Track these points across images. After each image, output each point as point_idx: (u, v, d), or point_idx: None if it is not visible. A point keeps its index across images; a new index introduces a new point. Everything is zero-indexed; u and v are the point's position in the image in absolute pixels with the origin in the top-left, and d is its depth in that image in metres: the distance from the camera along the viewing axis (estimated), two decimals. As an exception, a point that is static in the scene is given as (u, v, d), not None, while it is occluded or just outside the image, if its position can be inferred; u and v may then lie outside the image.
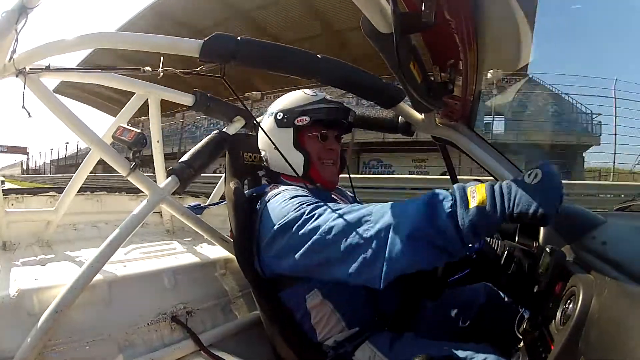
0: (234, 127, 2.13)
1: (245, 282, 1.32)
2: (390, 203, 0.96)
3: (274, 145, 1.28)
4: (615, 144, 12.72)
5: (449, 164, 1.78)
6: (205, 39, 1.07)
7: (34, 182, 26.07)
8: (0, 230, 1.80)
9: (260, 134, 1.39)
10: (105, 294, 1.27)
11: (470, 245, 0.85)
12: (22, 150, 43.17)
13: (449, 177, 1.84)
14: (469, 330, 1.26)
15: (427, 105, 1.23)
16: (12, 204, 2.20)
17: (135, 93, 1.94)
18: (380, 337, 1.16)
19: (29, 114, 1.24)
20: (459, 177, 1.79)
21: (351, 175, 1.53)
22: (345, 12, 15.56)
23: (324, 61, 1.22)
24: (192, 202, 2.43)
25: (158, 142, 2.13)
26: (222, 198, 1.97)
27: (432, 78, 1.20)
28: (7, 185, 3.44)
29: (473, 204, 0.81)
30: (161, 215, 2.53)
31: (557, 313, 0.77)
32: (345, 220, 0.95)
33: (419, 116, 1.53)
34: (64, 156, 36.28)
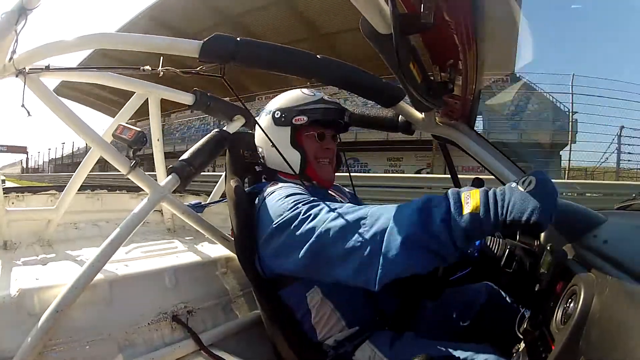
0: (234, 126, 2.13)
1: (246, 281, 1.32)
2: (385, 206, 0.96)
3: (272, 144, 1.29)
4: (570, 141, 12.90)
5: (450, 162, 1.78)
6: (205, 39, 1.07)
7: (34, 180, 26.19)
8: (1, 229, 1.80)
9: (257, 131, 1.40)
10: (106, 293, 1.27)
11: (463, 249, 0.85)
12: (22, 150, 43.65)
13: (449, 176, 1.83)
14: (469, 330, 1.27)
15: (427, 104, 1.22)
16: (13, 203, 2.21)
17: (135, 92, 1.94)
18: (381, 336, 1.16)
19: (28, 113, 1.24)
20: (442, 175, 1.79)
21: (351, 175, 1.53)
22: (334, 16, 15.59)
23: (324, 61, 1.22)
24: (192, 200, 2.43)
25: (158, 140, 2.13)
26: (223, 196, 1.97)
27: (432, 78, 1.19)
28: (8, 184, 3.44)
29: (467, 210, 0.81)
30: (162, 213, 2.54)
31: (558, 312, 0.77)
32: (341, 222, 0.96)
33: (419, 115, 1.53)
34: (61, 156, 37.09)
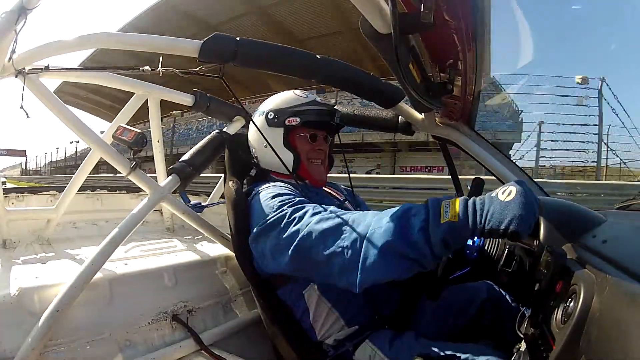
0: (234, 127, 2.13)
1: (245, 280, 1.33)
2: (366, 212, 0.99)
3: (268, 143, 1.31)
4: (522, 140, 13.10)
5: (450, 163, 1.78)
6: (205, 39, 1.07)
7: (32, 182, 26.26)
8: (1, 228, 1.80)
9: (250, 132, 1.43)
10: (106, 292, 1.28)
11: (442, 256, 0.88)
12: (21, 153, 44.29)
13: (448, 177, 1.83)
14: (469, 329, 1.27)
15: (427, 105, 1.23)
16: (13, 203, 2.20)
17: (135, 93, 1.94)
18: (381, 335, 1.17)
19: (27, 114, 1.24)
20: (443, 176, 1.79)
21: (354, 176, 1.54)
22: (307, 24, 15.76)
23: (324, 61, 1.22)
24: (192, 200, 2.43)
25: (158, 141, 2.13)
26: (223, 197, 1.97)
27: (432, 78, 1.20)
28: (9, 186, 3.44)
29: (445, 218, 0.82)
30: (161, 213, 2.54)
31: (558, 312, 0.77)
32: (323, 226, 0.98)
33: (419, 116, 1.53)
34: (56, 159, 38.46)
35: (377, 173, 15.89)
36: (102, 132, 1.91)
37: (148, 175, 1.50)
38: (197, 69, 1.17)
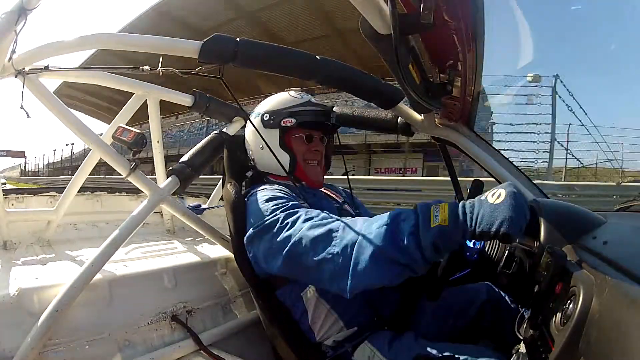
0: (234, 128, 2.13)
1: (245, 281, 1.33)
2: (357, 219, 1.00)
3: (266, 143, 1.31)
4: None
5: (449, 164, 1.77)
6: (205, 40, 1.07)
7: (30, 183, 26.39)
8: (1, 230, 1.80)
9: (247, 134, 1.45)
10: (105, 293, 1.28)
11: (433, 260, 0.87)
12: (20, 155, 44.85)
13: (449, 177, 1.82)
14: (469, 330, 1.27)
15: (426, 105, 1.22)
16: (13, 204, 2.20)
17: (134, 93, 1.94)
18: (380, 336, 1.16)
19: (27, 114, 1.24)
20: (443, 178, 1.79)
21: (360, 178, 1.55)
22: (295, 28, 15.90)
23: (324, 62, 1.22)
24: (192, 202, 2.43)
25: (158, 142, 2.13)
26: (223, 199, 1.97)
27: (431, 79, 1.20)
28: (9, 187, 3.44)
29: (435, 222, 0.83)
30: (161, 215, 2.54)
31: (558, 313, 0.77)
32: (314, 232, 0.99)
33: (419, 116, 1.53)
34: (54, 160, 39.46)
35: (353, 175, 15.88)
36: (100, 134, 1.91)
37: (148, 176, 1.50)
38: (197, 70, 1.17)
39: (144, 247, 1.87)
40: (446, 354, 1.04)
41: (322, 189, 1.46)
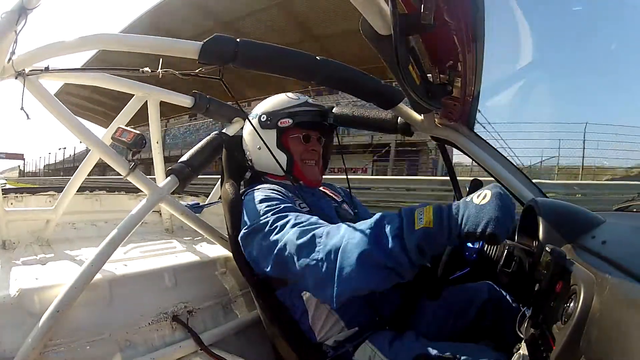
0: (234, 128, 2.14)
1: (245, 280, 1.33)
2: (340, 224, 0.98)
3: (264, 142, 1.32)
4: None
5: (449, 164, 1.78)
6: (205, 40, 1.07)
7: (28, 183, 26.49)
8: (0, 229, 1.80)
9: (244, 134, 1.46)
10: (105, 293, 1.28)
11: (419, 264, 0.86)
12: (19, 157, 45.17)
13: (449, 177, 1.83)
14: (470, 329, 1.27)
15: (426, 106, 1.23)
16: (12, 203, 2.19)
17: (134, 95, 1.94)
18: (380, 336, 1.16)
19: (27, 116, 1.23)
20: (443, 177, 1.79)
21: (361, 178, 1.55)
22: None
23: (323, 63, 1.22)
24: (190, 201, 2.43)
25: (157, 143, 2.13)
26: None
27: (431, 79, 1.20)
28: (9, 187, 3.42)
29: (419, 225, 0.82)
30: (160, 214, 2.53)
31: (558, 312, 0.77)
32: (299, 240, 0.98)
33: (418, 117, 1.53)
34: (49, 162, 40.37)
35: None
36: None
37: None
38: (197, 71, 1.17)
39: (142, 246, 1.87)
40: (447, 353, 1.04)
41: (320, 188, 1.47)
